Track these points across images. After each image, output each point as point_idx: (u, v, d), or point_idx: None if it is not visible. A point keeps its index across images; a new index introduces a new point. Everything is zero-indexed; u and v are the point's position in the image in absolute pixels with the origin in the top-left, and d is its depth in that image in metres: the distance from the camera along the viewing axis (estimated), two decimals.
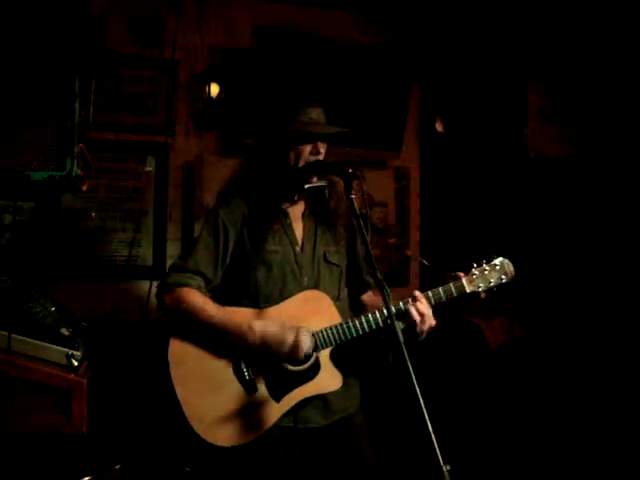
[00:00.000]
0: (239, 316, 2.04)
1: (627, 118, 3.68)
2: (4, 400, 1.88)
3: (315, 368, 2.03)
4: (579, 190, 3.80)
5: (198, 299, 2.03)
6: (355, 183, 1.94)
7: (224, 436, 1.99)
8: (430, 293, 2.02)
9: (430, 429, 1.53)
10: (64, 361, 2.03)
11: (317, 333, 2.03)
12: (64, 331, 2.11)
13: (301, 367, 2.01)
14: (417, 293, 2.00)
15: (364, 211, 2.01)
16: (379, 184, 4.18)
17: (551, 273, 3.74)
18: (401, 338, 1.65)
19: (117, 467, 2.36)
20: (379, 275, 1.77)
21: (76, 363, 2.03)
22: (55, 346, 2.04)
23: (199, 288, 2.07)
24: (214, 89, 3.81)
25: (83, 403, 2.02)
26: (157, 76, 3.75)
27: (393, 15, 4.18)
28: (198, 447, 2.00)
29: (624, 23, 3.55)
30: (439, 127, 4.14)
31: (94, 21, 3.55)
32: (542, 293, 3.71)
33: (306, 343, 1.98)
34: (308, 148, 2.10)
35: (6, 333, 1.93)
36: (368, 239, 1.88)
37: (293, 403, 2.02)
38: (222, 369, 2.02)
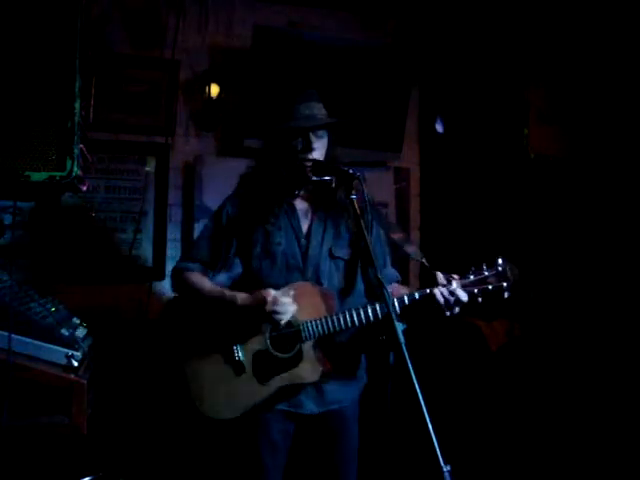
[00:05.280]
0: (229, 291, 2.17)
1: (626, 119, 3.68)
2: (4, 400, 1.88)
3: (298, 358, 2.10)
4: (579, 191, 3.80)
5: (197, 278, 2.21)
6: (355, 184, 1.95)
7: (213, 408, 2.12)
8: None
9: (431, 430, 1.54)
10: (64, 361, 2.03)
11: (303, 324, 2.08)
12: (64, 331, 2.11)
13: (286, 355, 2.10)
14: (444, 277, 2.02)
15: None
16: (379, 184, 4.18)
17: (551, 274, 3.74)
18: (402, 339, 1.67)
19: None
20: (379, 275, 1.80)
21: (76, 363, 2.03)
22: (55, 346, 2.04)
23: (200, 271, 2.23)
24: (214, 89, 3.81)
25: (83, 403, 2.02)
26: (157, 76, 3.75)
27: (393, 16, 4.19)
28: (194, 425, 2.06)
29: (623, 24, 3.56)
30: (439, 128, 4.15)
31: (95, 21, 3.55)
32: (543, 294, 3.71)
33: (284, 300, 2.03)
34: (300, 144, 2.10)
35: (6, 333, 1.93)
36: (369, 240, 1.90)
37: (276, 386, 2.10)
38: (219, 347, 2.15)
